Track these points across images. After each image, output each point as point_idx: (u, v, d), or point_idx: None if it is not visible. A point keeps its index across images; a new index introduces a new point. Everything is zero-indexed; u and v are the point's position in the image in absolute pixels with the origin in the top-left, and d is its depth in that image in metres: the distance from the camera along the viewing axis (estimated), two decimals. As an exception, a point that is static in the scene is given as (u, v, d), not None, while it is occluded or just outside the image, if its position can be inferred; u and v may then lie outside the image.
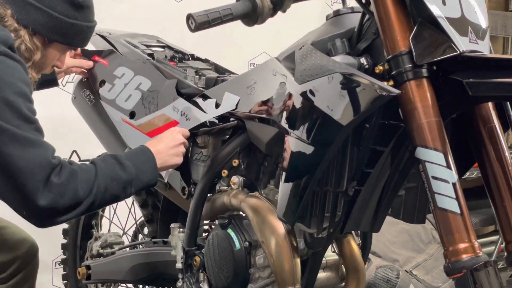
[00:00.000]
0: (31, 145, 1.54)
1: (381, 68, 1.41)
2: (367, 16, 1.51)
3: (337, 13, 1.62)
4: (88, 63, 2.19)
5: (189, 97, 1.90)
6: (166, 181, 1.91)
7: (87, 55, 2.22)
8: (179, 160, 1.81)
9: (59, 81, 2.22)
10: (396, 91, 1.33)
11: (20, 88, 1.58)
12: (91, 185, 1.60)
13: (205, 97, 1.84)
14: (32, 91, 1.65)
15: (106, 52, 2.20)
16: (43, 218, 1.62)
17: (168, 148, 1.78)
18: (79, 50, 2.18)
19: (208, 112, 1.81)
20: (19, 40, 1.70)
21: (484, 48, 1.40)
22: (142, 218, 2.27)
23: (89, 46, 2.17)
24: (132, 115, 2.03)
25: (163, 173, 1.89)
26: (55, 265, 3.22)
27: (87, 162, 1.70)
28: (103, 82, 2.14)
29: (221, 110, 1.77)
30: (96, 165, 1.65)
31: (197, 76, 1.97)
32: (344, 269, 1.81)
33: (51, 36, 1.75)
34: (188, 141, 1.91)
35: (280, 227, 1.61)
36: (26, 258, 2.17)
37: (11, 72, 1.58)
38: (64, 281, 2.58)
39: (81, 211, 1.61)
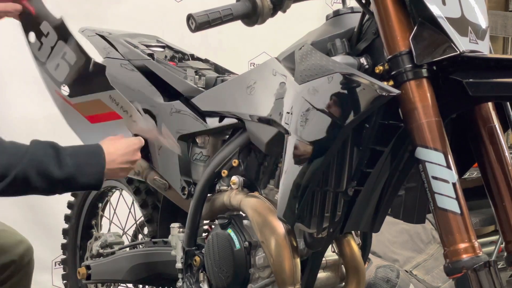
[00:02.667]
0: None
1: (381, 68, 1.41)
2: (367, 16, 1.51)
3: (337, 13, 1.62)
4: (15, 6, 1.90)
5: (189, 98, 1.91)
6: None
7: None
8: (125, 174, 1.75)
9: None
10: (396, 91, 1.33)
11: None
12: (8, 169, 1.48)
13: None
14: None
15: None
16: None
17: (123, 160, 1.71)
18: None
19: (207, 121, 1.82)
20: None
21: (484, 48, 1.40)
22: (142, 218, 2.27)
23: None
24: (65, 89, 1.90)
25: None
26: (55, 265, 3.23)
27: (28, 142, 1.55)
28: (32, 36, 1.94)
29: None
30: (28, 150, 1.52)
31: (197, 76, 1.97)
32: (344, 269, 1.81)
33: None
34: (188, 141, 1.92)
35: (280, 227, 1.61)
36: (22, 261, 2.17)
37: None
38: (64, 281, 2.58)
39: None
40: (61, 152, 1.56)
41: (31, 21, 1.93)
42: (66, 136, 3.25)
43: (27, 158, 1.50)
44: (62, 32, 1.87)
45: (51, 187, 1.56)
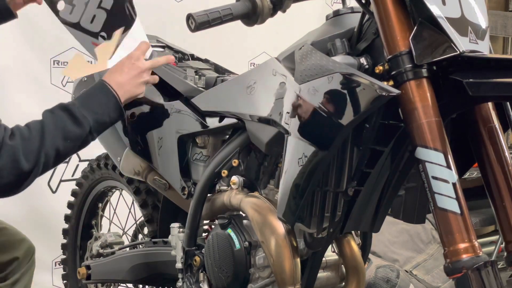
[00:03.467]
0: None
1: (381, 68, 1.41)
2: (367, 16, 1.51)
3: (337, 13, 1.62)
4: None
5: (189, 98, 1.91)
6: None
7: None
8: (142, 89, 1.75)
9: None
10: (396, 91, 1.33)
11: None
12: (37, 155, 1.55)
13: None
14: None
15: None
16: None
17: (130, 78, 1.72)
18: None
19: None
20: None
21: (484, 48, 1.40)
22: (142, 218, 2.27)
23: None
24: (102, 37, 1.94)
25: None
26: (55, 265, 3.23)
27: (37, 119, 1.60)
28: (61, 4, 1.98)
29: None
30: (44, 126, 1.57)
31: (197, 76, 1.97)
32: (344, 269, 1.81)
33: None
34: (188, 141, 1.92)
35: (280, 227, 1.61)
36: (24, 259, 2.18)
37: None
38: (64, 281, 2.58)
39: (31, 181, 1.58)
40: (73, 110, 1.61)
41: None
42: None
43: (48, 134, 1.56)
44: None
45: (82, 143, 1.63)
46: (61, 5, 1.99)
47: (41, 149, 1.55)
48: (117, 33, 1.83)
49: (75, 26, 1.95)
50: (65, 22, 1.98)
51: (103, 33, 1.91)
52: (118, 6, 1.88)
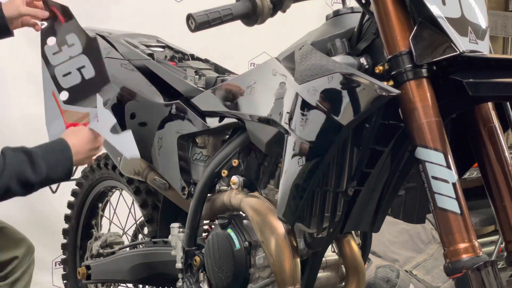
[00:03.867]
0: None
1: (381, 68, 1.41)
2: (367, 16, 1.51)
3: (337, 13, 1.62)
4: (44, 13, 2.00)
5: (189, 98, 1.91)
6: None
7: (48, 3, 2.04)
8: (91, 162, 1.87)
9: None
10: (396, 91, 1.33)
11: None
12: None
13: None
14: None
15: (63, 8, 2.03)
16: None
17: (86, 149, 1.79)
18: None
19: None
20: None
21: (484, 48, 1.40)
22: (142, 218, 2.27)
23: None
24: (63, 95, 1.97)
25: None
26: (55, 265, 3.23)
27: None
28: (51, 40, 2.01)
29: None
30: (6, 162, 1.62)
31: (197, 76, 1.97)
32: (344, 269, 1.81)
33: None
34: (188, 141, 1.92)
35: (280, 227, 1.61)
36: (23, 258, 2.19)
37: None
38: (64, 281, 2.58)
39: None
40: (34, 157, 1.67)
41: (56, 28, 2.02)
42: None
43: (7, 171, 1.62)
44: (91, 49, 1.97)
45: (29, 190, 1.68)
46: (51, 41, 2.02)
47: None
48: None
49: (50, 68, 1.99)
50: (43, 56, 2.01)
51: (66, 93, 1.96)
52: (95, 83, 1.93)
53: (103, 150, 2.01)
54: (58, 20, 2.02)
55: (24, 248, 2.20)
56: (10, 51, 3.01)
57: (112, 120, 1.86)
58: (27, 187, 1.67)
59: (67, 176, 1.75)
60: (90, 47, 1.97)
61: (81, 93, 1.94)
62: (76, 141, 1.77)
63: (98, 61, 1.97)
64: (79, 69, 1.96)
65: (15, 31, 2.05)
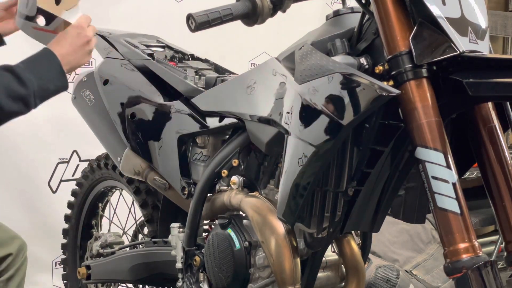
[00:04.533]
0: None
1: (381, 68, 1.41)
2: (367, 16, 1.51)
3: (337, 13, 1.62)
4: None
5: (189, 98, 1.91)
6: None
7: None
8: (88, 58, 1.72)
9: (7, 38, 2.00)
10: (396, 91, 1.33)
11: None
12: None
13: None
14: None
15: None
16: None
17: (74, 48, 1.69)
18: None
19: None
20: None
21: (484, 48, 1.40)
22: (142, 218, 2.27)
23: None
24: (40, 20, 1.83)
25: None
26: (55, 265, 3.22)
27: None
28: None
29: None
30: None
31: (197, 76, 1.97)
32: (344, 269, 1.81)
33: None
34: (188, 141, 1.92)
35: (280, 227, 1.61)
36: (17, 255, 2.19)
37: None
38: (64, 281, 2.58)
39: None
40: (18, 71, 1.59)
41: None
42: (67, 137, 3.25)
43: None
44: None
45: (24, 104, 1.59)
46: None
47: None
48: None
49: (20, 15, 1.86)
50: (19, 15, 1.89)
51: (39, 17, 1.84)
52: None
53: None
54: None
55: (17, 245, 2.19)
56: (10, 51, 3.01)
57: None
58: (20, 101, 1.57)
59: (62, 84, 1.65)
60: None
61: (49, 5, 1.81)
62: (60, 44, 1.67)
63: None
64: None
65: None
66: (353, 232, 1.79)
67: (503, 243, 1.48)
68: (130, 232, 2.44)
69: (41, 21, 1.83)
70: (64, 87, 1.67)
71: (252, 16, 1.56)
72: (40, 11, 1.80)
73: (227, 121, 1.80)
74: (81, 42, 1.70)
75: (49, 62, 1.64)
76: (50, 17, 1.80)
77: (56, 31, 1.79)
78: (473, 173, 2.82)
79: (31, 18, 1.83)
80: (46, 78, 1.62)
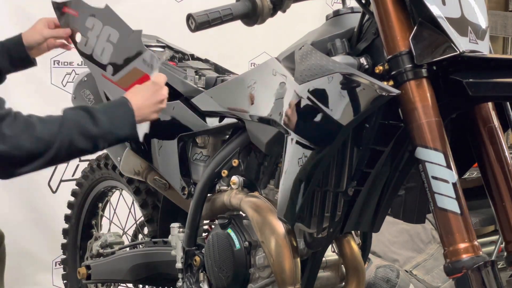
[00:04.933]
0: None
1: (381, 68, 1.41)
2: (367, 16, 1.51)
3: (337, 13, 1.62)
4: (66, 31, 2.05)
5: (189, 98, 1.91)
6: (142, 135, 1.79)
7: (57, 7, 2.09)
8: (156, 116, 1.77)
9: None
10: (396, 91, 1.33)
11: None
12: (53, 138, 1.56)
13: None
14: None
15: (72, 2, 2.07)
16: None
17: (149, 104, 1.73)
18: (56, 20, 2.07)
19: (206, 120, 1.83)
20: None
21: (484, 48, 1.40)
22: (142, 218, 2.27)
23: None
24: (109, 69, 1.98)
25: (144, 126, 1.81)
26: (55, 265, 3.22)
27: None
28: (78, 36, 2.06)
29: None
30: (64, 117, 1.61)
31: (197, 76, 1.97)
32: (344, 269, 1.81)
33: None
34: (188, 141, 1.92)
35: (280, 227, 1.61)
36: None
37: None
38: (64, 281, 2.58)
39: (44, 162, 1.57)
40: (94, 112, 1.64)
41: (75, 23, 2.05)
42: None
43: (66, 124, 1.59)
44: (107, 17, 1.97)
45: (93, 144, 1.64)
46: (78, 37, 2.07)
47: (57, 134, 1.57)
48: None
49: (89, 58, 2.02)
50: (81, 54, 2.06)
51: (110, 66, 1.97)
52: (122, 40, 1.93)
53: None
54: (72, 17, 2.05)
55: None
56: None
57: (156, 59, 1.83)
58: (90, 140, 1.62)
59: (131, 132, 1.69)
60: (106, 16, 1.98)
61: (119, 56, 1.94)
62: (138, 96, 1.72)
63: (116, 21, 1.96)
64: (107, 40, 1.96)
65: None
66: (353, 232, 1.79)
67: (503, 243, 1.48)
68: (130, 232, 2.44)
69: (110, 70, 1.96)
70: (132, 136, 1.71)
71: (252, 16, 1.56)
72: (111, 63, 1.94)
73: (227, 121, 1.80)
74: (156, 100, 1.74)
75: (124, 110, 1.69)
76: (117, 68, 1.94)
77: (118, 83, 1.92)
78: (473, 173, 2.82)
79: (102, 66, 1.98)
80: (118, 124, 1.67)
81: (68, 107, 1.68)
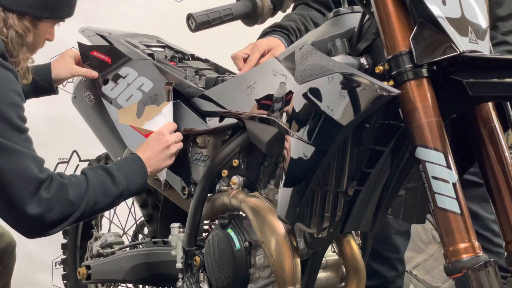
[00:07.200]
0: (21, 157, 1.56)
1: (381, 68, 1.41)
2: (367, 16, 1.51)
3: (337, 13, 1.62)
4: (93, 74, 2.13)
5: (189, 98, 1.91)
6: (163, 179, 1.91)
7: (85, 49, 2.17)
8: (169, 162, 1.85)
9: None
10: (396, 91, 1.33)
11: (11, 99, 1.60)
12: (81, 199, 1.64)
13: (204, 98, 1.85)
14: (23, 100, 1.66)
15: (106, 48, 2.17)
16: (30, 230, 1.65)
17: (156, 153, 1.81)
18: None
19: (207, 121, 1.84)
20: (11, 31, 1.70)
21: (484, 48, 1.40)
22: (142, 218, 2.27)
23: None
24: None
25: (162, 172, 1.89)
26: (55, 265, 3.23)
27: (78, 173, 1.73)
28: (106, 81, 2.12)
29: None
30: (88, 178, 1.68)
31: (197, 76, 1.97)
32: (344, 269, 1.81)
33: (41, 14, 1.76)
34: (188, 141, 1.92)
35: (280, 227, 1.61)
36: (5, 253, 2.19)
37: (3, 82, 1.59)
38: (64, 281, 2.58)
39: (69, 223, 1.65)
40: (112, 171, 1.73)
41: (105, 68, 2.12)
42: (67, 136, 3.25)
43: (91, 186, 1.67)
44: (146, 70, 2.03)
45: (112, 202, 1.73)
46: (106, 83, 2.11)
47: (85, 195, 1.65)
48: (165, 103, 1.92)
49: (112, 102, 2.07)
50: (103, 96, 2.10)
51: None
52: (155, 89, 1.97)
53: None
54: (102, 61, 2.12)
55: (5, 242, 2.18)
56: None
57: (170, 115, 1.88)
58: (110, 199, 1.72)
59: (142, 186, 1.79)
60: (145, 68, 2.03)
61: (145, 105, 2.00)
62: (148, 151, 1.81)
63: (155, 74, 2.01)
64: (139, 88, 2.02)
65: None
66: (353, 232, 1.79)
67: (503, 243, 1.48)
68: (130, 232, 2.44)
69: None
70: (143, 189, 1.81)
71: (252, 16, 1.56)
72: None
73: (227, 121, 1.80)
74: (161, 147, 1.82)
75: (137, 165, 1.78)
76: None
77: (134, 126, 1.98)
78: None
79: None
80: (132, 180, 1.76)
81: (87, 167, 1.76)
